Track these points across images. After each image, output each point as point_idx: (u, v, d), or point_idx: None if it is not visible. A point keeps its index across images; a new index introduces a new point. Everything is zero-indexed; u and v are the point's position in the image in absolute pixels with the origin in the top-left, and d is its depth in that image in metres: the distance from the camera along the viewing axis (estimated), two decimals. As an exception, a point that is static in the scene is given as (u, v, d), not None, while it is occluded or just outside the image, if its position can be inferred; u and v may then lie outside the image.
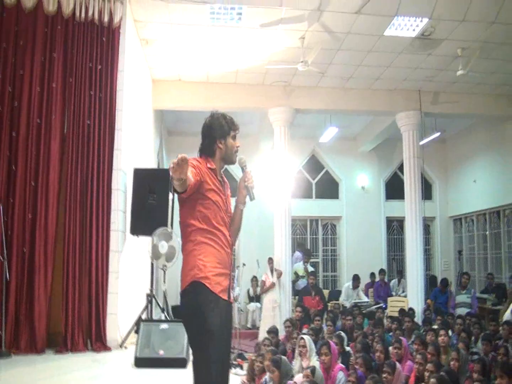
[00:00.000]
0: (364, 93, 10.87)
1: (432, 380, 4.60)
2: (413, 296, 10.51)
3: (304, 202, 13.93)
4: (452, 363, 5.72)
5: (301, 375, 5.30)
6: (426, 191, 14.31)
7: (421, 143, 11.47)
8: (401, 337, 6.48)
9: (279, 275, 10.02)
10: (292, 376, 5.55)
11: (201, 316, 2.80)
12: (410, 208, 10.95)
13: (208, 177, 2.96)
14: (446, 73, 9.92)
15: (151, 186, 7.08)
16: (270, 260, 10.27)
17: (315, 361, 5.84)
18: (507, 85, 10.59)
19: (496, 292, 10.86)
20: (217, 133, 3.08)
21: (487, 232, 13.61)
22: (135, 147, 8.09)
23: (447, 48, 8.88)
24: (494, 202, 13.00)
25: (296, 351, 6.28)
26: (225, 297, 2.95)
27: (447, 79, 10.26)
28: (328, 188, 14.62)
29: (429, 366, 5.32)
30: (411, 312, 9.23)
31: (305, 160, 14.50)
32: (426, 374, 5.17)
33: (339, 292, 12.27)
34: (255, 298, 12.22)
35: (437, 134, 12.63)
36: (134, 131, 8.08)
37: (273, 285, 10.05)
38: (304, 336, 6.40)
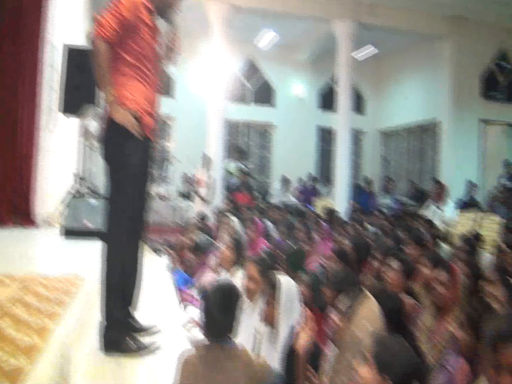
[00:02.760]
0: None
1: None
2: (339, 201, 11.01)
3: (239, 107, 13.92)
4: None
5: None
6: (359, 105, 14.71)
7: (357, 56, 11.63)
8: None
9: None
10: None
11: (127, 153, 2.85)
12: (340, 119, 11.28)
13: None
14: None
15: (82, 65, 6.86)
16: (205, 157, 10.34)
17: (240, 237, 6.12)
18: (443, 5, 10.83)
19: (416, 196, 11.49)
20: None
21: (413, 146, 14.23)
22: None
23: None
24: (421, 118, 13.54)
25: (221, 228, 6.53)
26: (152, 137, 3.04)
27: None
28: (264, 94, 14.65)
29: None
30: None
31: (242, 64, 14.35)
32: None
33: (267, 192, 12.63)
34: (186, 195, 12.30)
35: (372, 48, 12.83)
36: None
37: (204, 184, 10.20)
38: (229, 215, 6.65)
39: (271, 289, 2.95)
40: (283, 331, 2.84)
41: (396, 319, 2.58)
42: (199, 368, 2.17)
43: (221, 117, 10.67)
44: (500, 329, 1.87)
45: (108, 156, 2.95)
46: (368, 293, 2.52)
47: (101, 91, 2.88)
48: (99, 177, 7.25)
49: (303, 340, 2.61)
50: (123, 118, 2.84)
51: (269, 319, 2.91)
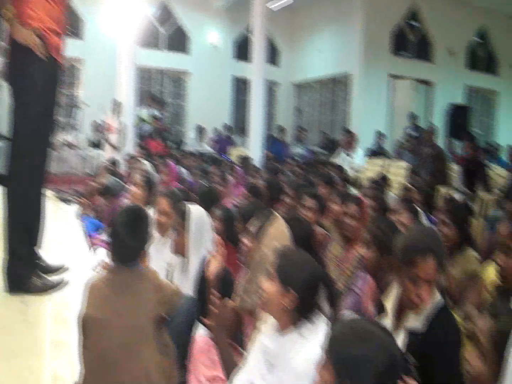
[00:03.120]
0: None
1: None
2: (253, 151, 11.06)
3: (151, 52, 13.44)
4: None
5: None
6: (273, 57, 14.69)
7: (272, 6, 11.52)
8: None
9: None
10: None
11: (31, 74, 2.72)
12: (255, 69, 11.21)
13: None
14: None
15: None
16: (115, 102, 9.96)
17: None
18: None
19: (328, 146, 11.78)
20: None
21: (325, 98, 14.47)
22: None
23: None
24: (333, 71, 13.73)
25: (132, 173, 6.35)
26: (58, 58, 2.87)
27: None
28: (178, 40, 14.21)
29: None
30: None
31: (155, 8, 13.78)
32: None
33: (182, 142, 12.47)
34: (97, 143, 11.87)
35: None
36: None
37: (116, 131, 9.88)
38: (141, 159, 6.49)
39: (182, 218, 2.89)
40: (194, 260, 2.81)
41: (307, 244, 2.63)
42: (106, 292, 2.10)
43: (132, 62, 10.29)
44: (415, 243, 1.95)
45: (12, 79, 2.78)
46: (277, 214, 2.53)
47: (0, 10, 2.66)
48: (3, 118, 6.78)
49: (213, 266, 2.60)
50: (26, 37, 2.66)
51: (180, 249, 2.87)
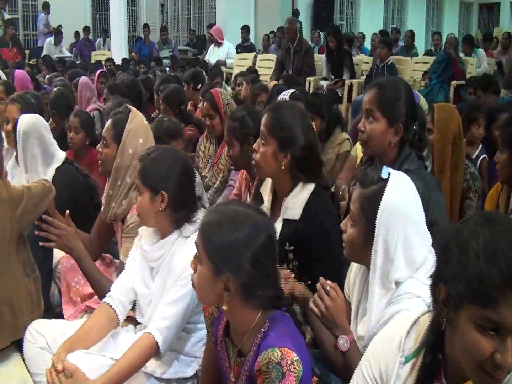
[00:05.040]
0: None
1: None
2: (117, 53, 10.39)
3: None
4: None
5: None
6: None
7: None
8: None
9: None
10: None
11: None
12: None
13: None
14: None
15: None
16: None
17: None
18: None
19: (197, 44, 11.41)
20: None
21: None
22: None
23: None
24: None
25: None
26: None
27: None
28: None
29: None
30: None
31: None
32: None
33: (40, 48, 11.37)
34: None
35: None
36: None
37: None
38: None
39: None
40: (27, 176, 2.63)
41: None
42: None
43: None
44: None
45: None
46: (135, 110, 2.32)
47: None
48: None
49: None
50: None
51: None
